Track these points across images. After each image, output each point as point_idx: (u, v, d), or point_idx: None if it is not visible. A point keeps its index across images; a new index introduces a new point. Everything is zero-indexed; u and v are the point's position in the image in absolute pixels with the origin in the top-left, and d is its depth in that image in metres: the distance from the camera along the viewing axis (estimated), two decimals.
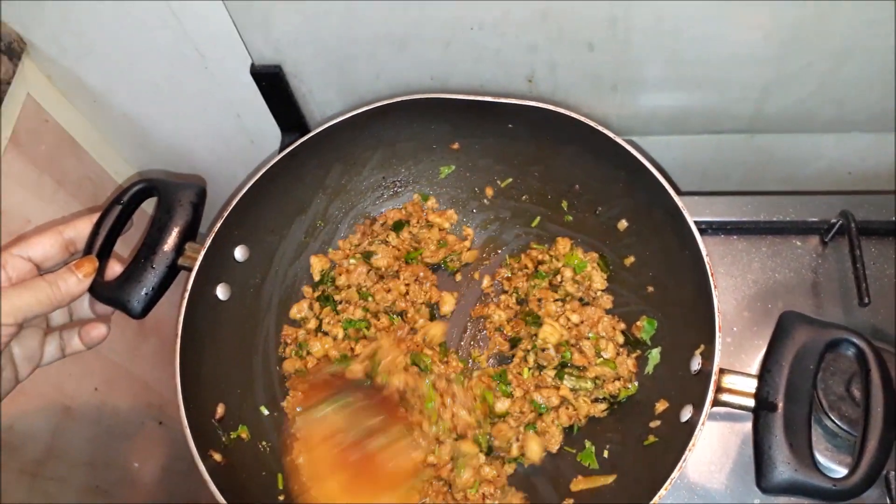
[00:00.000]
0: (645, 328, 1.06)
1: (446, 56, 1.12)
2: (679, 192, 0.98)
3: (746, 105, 1.17)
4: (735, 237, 1.23)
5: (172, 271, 1.00)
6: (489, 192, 1.23)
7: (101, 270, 0.97)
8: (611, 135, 1.03)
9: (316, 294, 1.18)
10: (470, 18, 1.05)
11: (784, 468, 0.83)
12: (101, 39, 1.15)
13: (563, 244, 1.15)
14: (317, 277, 1.18)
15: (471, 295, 1.21)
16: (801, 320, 0.90)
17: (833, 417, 1.03)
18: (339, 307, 1.15)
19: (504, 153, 1.18)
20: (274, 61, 1.17)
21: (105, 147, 1.36)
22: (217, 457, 0.96)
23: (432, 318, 1.17)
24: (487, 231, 1.24)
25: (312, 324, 1.15)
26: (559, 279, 1.13)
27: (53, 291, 0.90)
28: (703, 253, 0.94)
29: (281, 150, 1.09)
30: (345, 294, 1.16)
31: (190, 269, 1.00)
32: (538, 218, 1.20)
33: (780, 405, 0.85)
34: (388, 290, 1.15)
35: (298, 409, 1.08)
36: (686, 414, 0.92)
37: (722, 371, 0.88)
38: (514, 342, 1.12)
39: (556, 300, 1.12)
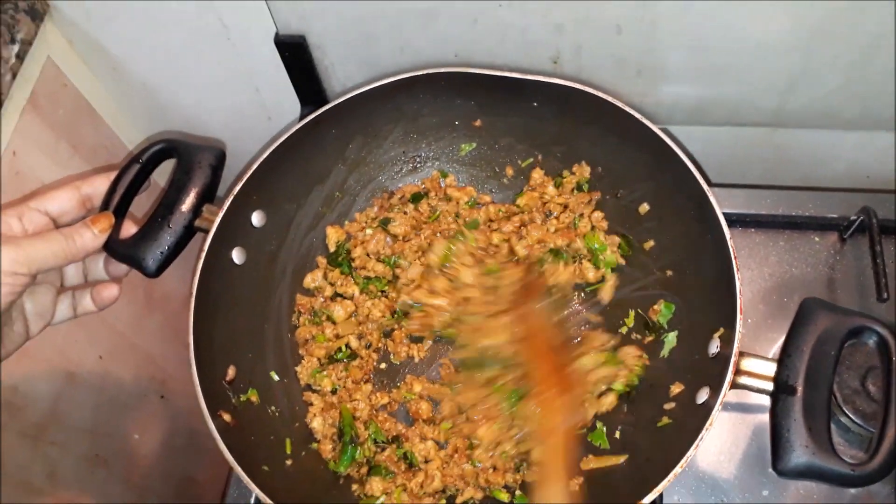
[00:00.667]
0: (662, 312, 1.05)
1: (472, 33, 1.12)
2: (704, 177, 0.98)
3: (770, 98, 1.17)
4: (753, 230, 1.22)
5: (189, 232, 0.99)
6: (509, 171, 1.22)
7: (116, 228, 0.96)
8: (638, 116, 1.02)
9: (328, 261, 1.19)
10: None
11: (802, 451, 0.82)
12: (126, 6, 1.14)
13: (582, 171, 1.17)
14: (332, 248, 1.18)
15: None
16: (823, 306, 0.89)
17: (847, 411, 1.02)
18: (355, 272, 1.16)
19: (527, 132, 1.17)
20: (299, 31, 1.17)
21: (121, 116, 1.36)
22: (226, 417, 0.95)
23: None
24: None
25: (328, 291, 1.15)
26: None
27: (69, 244, 0.89)
28: (728, 237, 0.93)
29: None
30: (359, 262, 1.16)
31: (207, 231, 0.99)
32: None
33: (800, 389, 0.84)
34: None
35: None
36: (702, 396, 0.91)
37: (741, 354, 0.87)
38: None
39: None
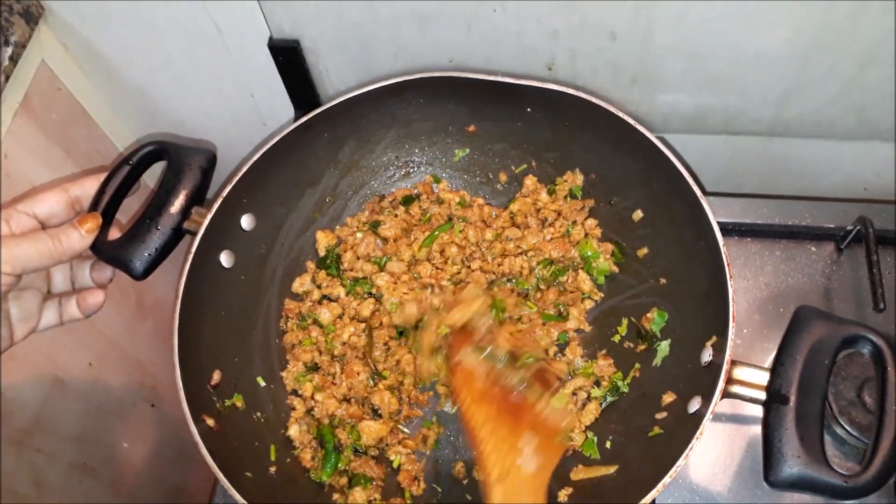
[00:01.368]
0: (655, 320, 1.04)
1: (467, 38, 1.11)
2: (698, 184, 0.97)
3: (767, 107, 1.16)
4: (749, 239, 1.21)
5: (177, 234, 0.98)
6: (503, 177, 1.21)
7: (105, 229, 0.95)
8: (632, 122, 1.02)
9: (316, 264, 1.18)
10: None
11: (794, 462, 0.80)
12: (121, 10, 1.14)
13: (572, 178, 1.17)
14: (322, 253, 1.17)
15: None
16: (817, 315, 0.88)
17: (843, 423, 1.01)
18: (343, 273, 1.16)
19: (520, 138, 1.17)
20: (293, 35, 1.16)
21: (115, 121, 1.35)
22: (210, 422, 0.94)
23: None
24: None
25: (316, 295, 1.14)
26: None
27: (55, 244, 0.88)
28: (721, 244, 0.92)
29: None
30: (348, 265, 1.15)
31: (195, 234, 0.98)
32: None
33: (793, 399, 0.83)
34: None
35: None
36: (694, 405, 0.90)
37: (734, 363, 0.86)
38: None
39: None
